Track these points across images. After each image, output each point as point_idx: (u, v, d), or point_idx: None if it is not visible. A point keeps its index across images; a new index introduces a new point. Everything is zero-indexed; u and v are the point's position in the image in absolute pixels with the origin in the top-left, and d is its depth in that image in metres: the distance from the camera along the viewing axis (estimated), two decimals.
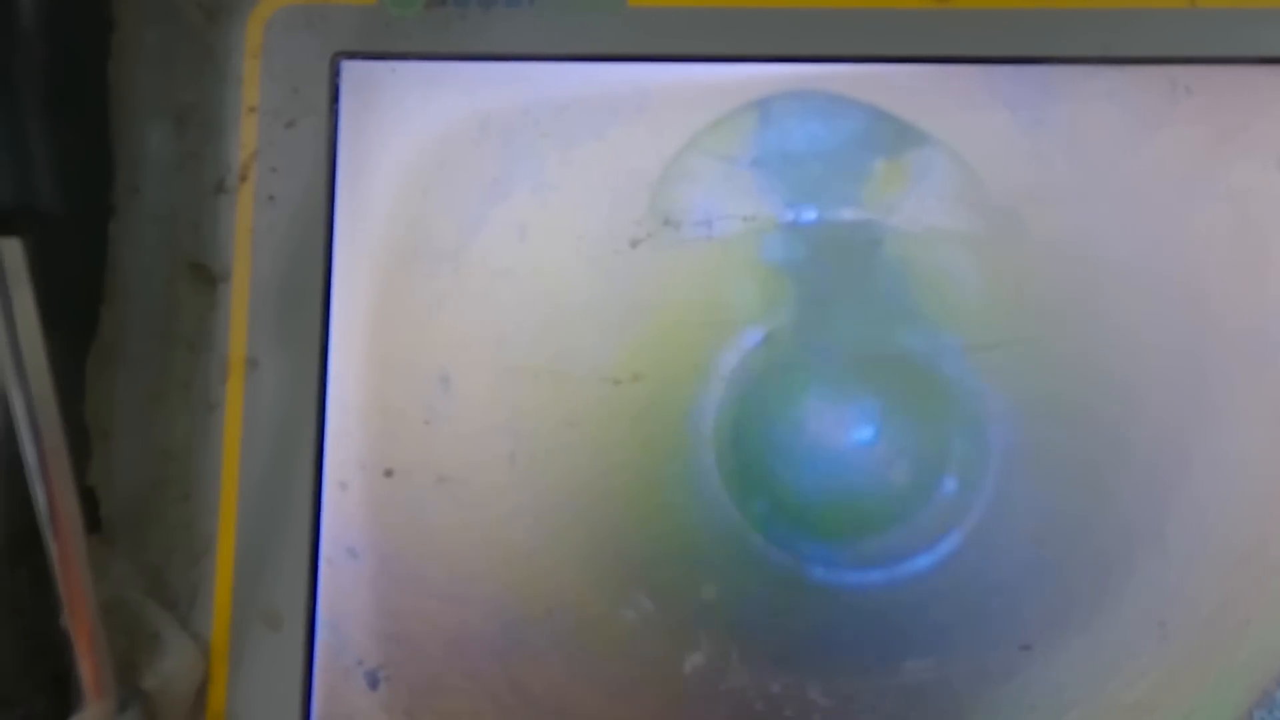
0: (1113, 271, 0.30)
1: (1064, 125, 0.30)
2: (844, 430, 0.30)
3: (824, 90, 0.31)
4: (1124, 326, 0.30)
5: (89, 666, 0.26)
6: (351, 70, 0.31)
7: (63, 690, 0.27)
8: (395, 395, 0.31)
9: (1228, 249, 0.30)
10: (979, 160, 0.30)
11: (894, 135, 0.31)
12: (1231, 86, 0.30)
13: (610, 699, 0.30)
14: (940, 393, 0.30)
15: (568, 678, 0.30)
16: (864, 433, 0.30)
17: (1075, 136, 0.30)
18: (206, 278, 0.31)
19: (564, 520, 0.30)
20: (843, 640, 0.29)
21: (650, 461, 0.30)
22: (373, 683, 0.30)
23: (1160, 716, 0.29)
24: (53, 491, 0.25)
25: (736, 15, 0.31)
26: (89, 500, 0.30)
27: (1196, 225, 0.30)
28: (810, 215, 0.31)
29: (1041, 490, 0.30)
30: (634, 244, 0.31)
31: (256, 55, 0.31)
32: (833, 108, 0.31)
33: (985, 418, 0.30)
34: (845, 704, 0.29)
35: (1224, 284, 0.30)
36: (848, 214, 0.31)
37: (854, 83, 0.31)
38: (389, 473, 0.31)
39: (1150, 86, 0.30)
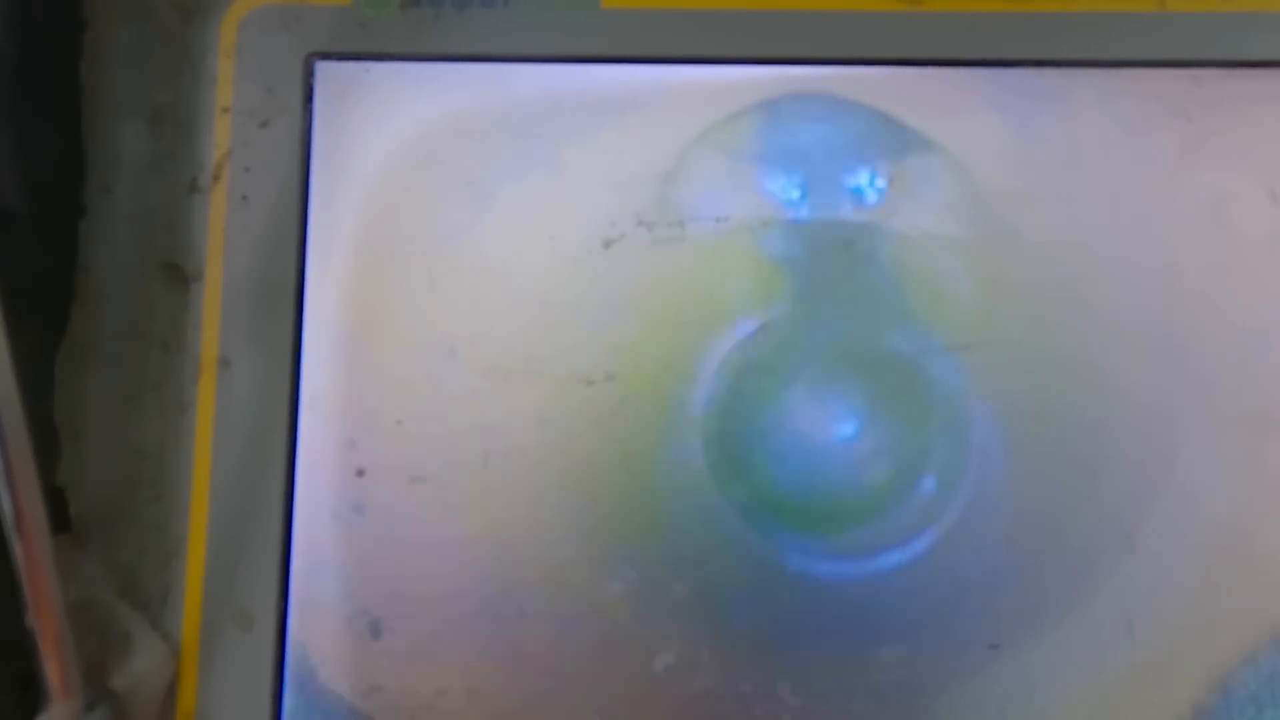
0: (1095, 273, 0.30)
1: (1047, 128, 0.30)
2: (826, 426, 0.30)
3: (825, 93, 0.31)
4: (1106, 328, 0.30)
5: (55, 666, 0.26)
6: (326, 70, 0.31)
7: (30, 690, 0.27)
8: (368, 395, 0.31)
9: (1210, 252, 0.30)
10: (965, 163, 0.30)
11: (885, 138, 0.31)
12: (1213, 90, 0.30)
13: (586, 694, 0.30)
14: (922, 391, 0.30)
15: (539, 681, 0.30)
16: (846, 429, 0.30)
17: (1059, 139, 0.30)
18: (179, 277, 0.31)
19: (538, 520, 0.30)
20: (819, 633, 0.29)
21: (624, 461, 0.30)
22: (346, 693, 0.30)
23: (1128, 716, 0.29)
24: (17, 491, 0.25)
25: (712, 18, 0.31)
26: (59, 500, 0.30)
27: (1178, 228, 0.30)
28: (796, 214, 0.31)
29: (1018, 491, 0.30)
30: (607, 244, 0.31)
31: (231, 55, 0.31)
32: (828, 110, 0.31)
33: (966, 418, 0.30)
34: (816, 697, 0.29)
35: (1206, 286, 0.30)
36: (836, 213, 0.31)
37: (834, 85, 0.31)
38: (361, 473, 0.31)
39: (1132, 90, 0.31)
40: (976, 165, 0.30)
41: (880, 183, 0.31)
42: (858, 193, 0.31)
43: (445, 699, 0.29)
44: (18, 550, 0.25)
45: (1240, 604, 0.29)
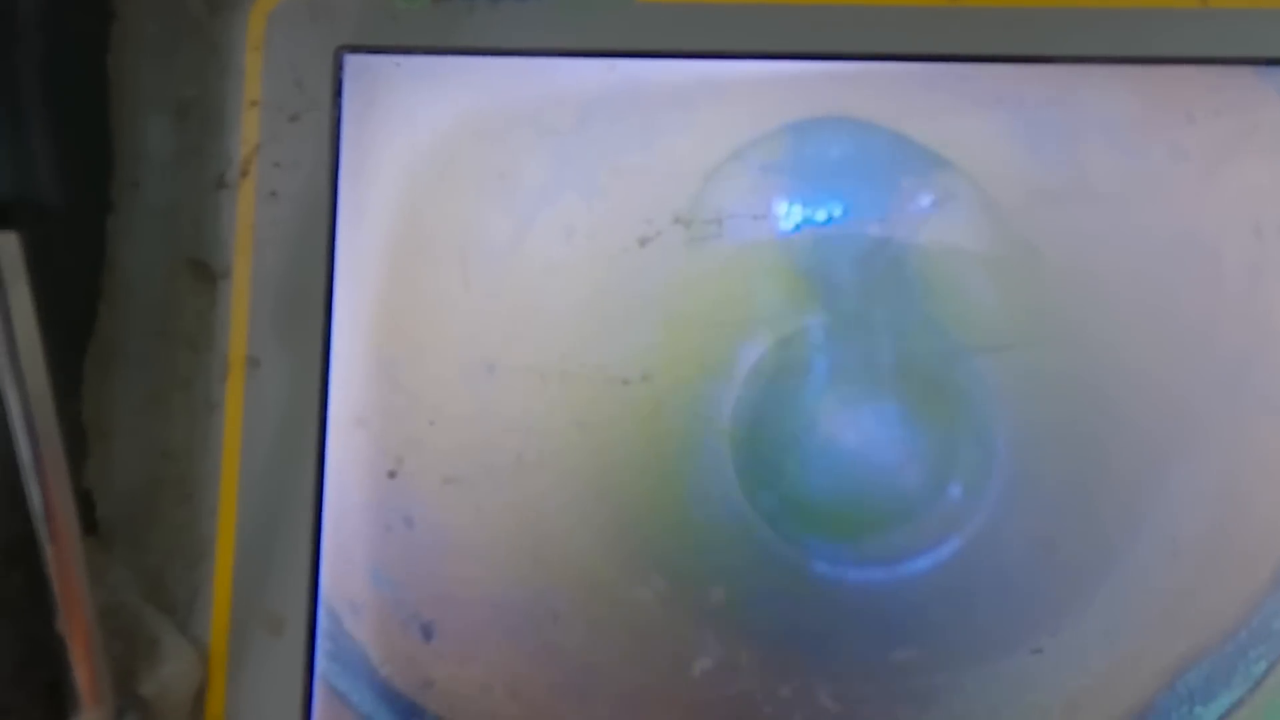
0: (1125, 274, 0.30)
1: (1070, 125, 0.30)
2: (854, 432, 0.30)
3: (851, 117, 0.30)
4: (1133, 328, 0.30)
5: (85, 672, 0.26)
6: (355, 64, 0.31)
7: (58, 697, 0.27)
8: (399, 395, 0.30)
9: (1237, 248, 0.30)
10: (987, 159, 0.30)
11: (913, 156, 0.30)
12: (1241, 88, 0.30)
13: (622, 694, 0.29)
14: (950, 397, 0.30)
15: (575, 680, 0.29)
16: (874, 435, 0.30)
17: (1082, 136, 0.30)
18: (207, 275, 0.31)
19: (571, 521, 0.30)
20: (856, 638, 0.29)
21: (659, 461, 0.30)
22: (404, 688, 0.30)
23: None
24: (49, 492, 0.25)
25: (743, 12, 0.31)
26: (86, 502, 0.30)
27: (1205, 225, 0.30)
28: (825, 219, 0.30)
29: (1048, 494, 0.29)
30: (643, 242, 0.30)
31: (259, 48, 0.31)
32: (858, 130, 0.30)
33: (994, 422, 0.30)
34: (856, 701, 0.29)
35: (1233, 283, 0.30)
36: (865, 220, 0.30)
37: (861, 80, 0.30)
38: (393, 474, 0.30)
39: (1159, 87, 0.30)
40: (1006, 161, 0.30)
41: (908, 197, 0.30)
42: (886, 206, 0.30)
43: (489, 695, 0.29)
44: (48, 554, 0.25)
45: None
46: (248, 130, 0.31)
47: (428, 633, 0.29)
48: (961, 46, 0.31)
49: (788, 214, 0.30)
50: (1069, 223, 0.30)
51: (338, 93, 0.31)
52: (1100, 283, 0.30)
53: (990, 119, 0.30)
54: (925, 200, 0.30)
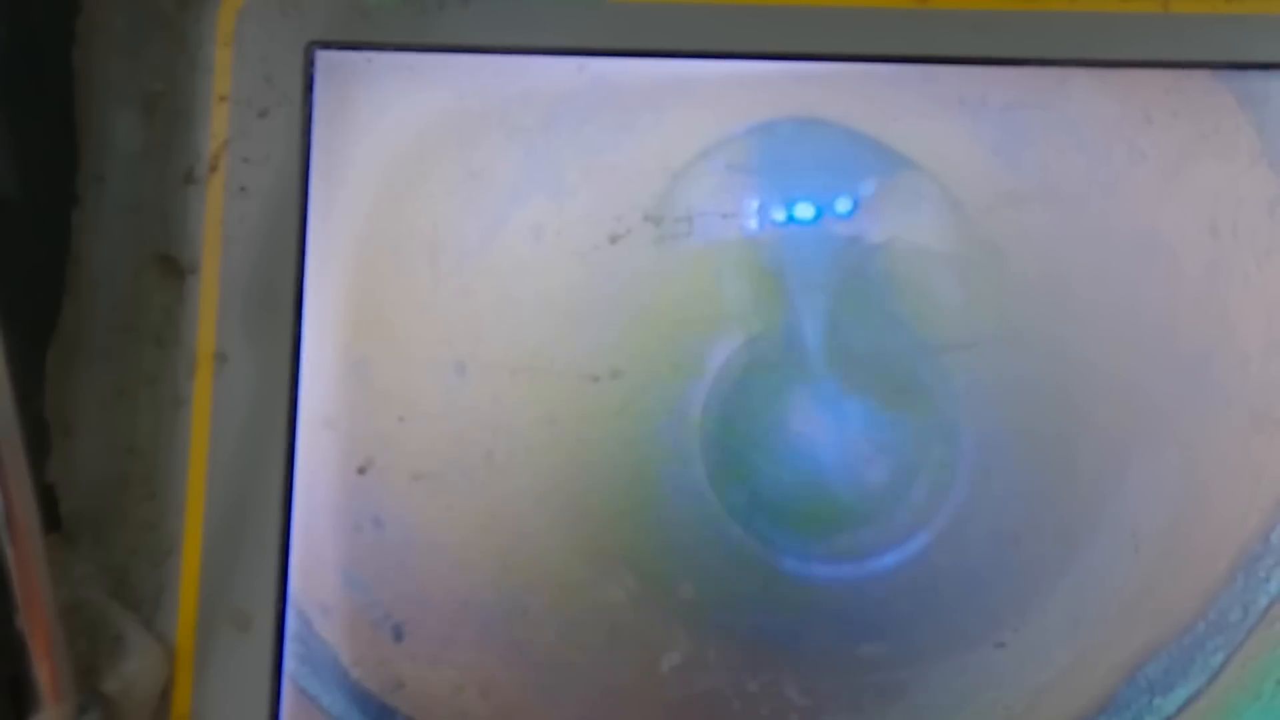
0: (1087, 273, 0.30)
1: (1033, 126, 0.31)
2: (822, 429, 0.30)
3: (818, 118, 0.31)
4: (1095, 326, 0.30)
5: (46, 669, 0.25)
6: (326, 60, 0.31)
7: (18, 693, 0.26)
8: (368, 391, 0.30)
9: (1194, 247, 0.30)
10: (951, 160, 0.31)
11: (879, 157, 0.31)
12: (1198, 91, 0.31)
13: (594, 692, 0.29)
14: (917, 394, 0.30)
15: (547, 678, 0.29)
16: (842, 432, 0.30)
17: (1044, 138, 0.31)
18: (175, 270, 0.30)
19: (541, 518, 0.30)
20: (824, 634, 0.29)
21: (629, 458, 0.30)
22: (375, 690, 0.29)
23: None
24: (8, 488, 0.24)
25: (717, 12, 0.31)
26: (49, 498, 0.29)
27: (1164, 225, 0.30)
28: (793, 219, 0.31)
29: (1014, 490, 0.30)
30: (613, 240, 0.31)
31: (228, 43, 0.31)
32: (825, 130, 0.31)
33: (961, 419, 0.30)
34: (823, 697, 0.29)
35: (1191, 281, 0.30)
36: (832, 219, 0.31)
37: (828, 80, 0.31)
38: (362, 470, 0.30)
39: (1120, 89, 0.31)
40: (970, 162, 0.31)
41: (874, 197, 0.31)
42: (852, 205, 0.31)
43: (461, 695, 0.29)
44: (8, 550, 0.25)
45: (1246, 598, 0.30)
46: (217, 125, 0.31)
47: (399, 634, 0.29)
48: (927, 48, 0.31)
49: (756, 213, 0.31)
50: (1031, 222, 0.31)
51: (308, 88, 0.31)
52: (1062, 281, 0.30)
53: (954, 120, 0.31)
54: (891, 200, 0.31)
